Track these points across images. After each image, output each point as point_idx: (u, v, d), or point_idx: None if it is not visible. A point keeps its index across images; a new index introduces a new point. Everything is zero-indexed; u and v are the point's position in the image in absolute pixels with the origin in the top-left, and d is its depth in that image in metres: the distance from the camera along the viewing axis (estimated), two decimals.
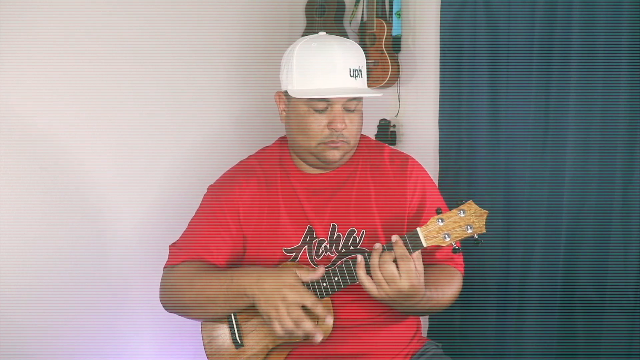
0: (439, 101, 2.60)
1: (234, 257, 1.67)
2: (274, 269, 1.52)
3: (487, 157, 2.45)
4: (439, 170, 2.60)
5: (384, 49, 2.66)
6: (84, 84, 2.24)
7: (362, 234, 1.63)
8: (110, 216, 2.35)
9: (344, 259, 1.53)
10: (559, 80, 2.28)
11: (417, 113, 2.72)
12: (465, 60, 2.50)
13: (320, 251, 1.64)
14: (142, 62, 2.38)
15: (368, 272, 1.43)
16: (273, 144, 1.78)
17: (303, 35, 2.73)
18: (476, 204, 1.43)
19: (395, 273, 1.40)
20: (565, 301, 2.30)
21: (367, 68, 1.66)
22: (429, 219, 1.44)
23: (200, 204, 1.73)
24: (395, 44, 2.68)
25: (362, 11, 2.76)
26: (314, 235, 1.63)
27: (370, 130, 2.70)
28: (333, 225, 1.64)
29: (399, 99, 2.73)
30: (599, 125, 2.21)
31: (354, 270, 1.46)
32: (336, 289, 1.51)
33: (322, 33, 1.67)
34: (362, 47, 1.66)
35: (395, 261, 1.41)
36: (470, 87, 2.49)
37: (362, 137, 1.72)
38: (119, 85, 2.32)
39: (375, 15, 2.67)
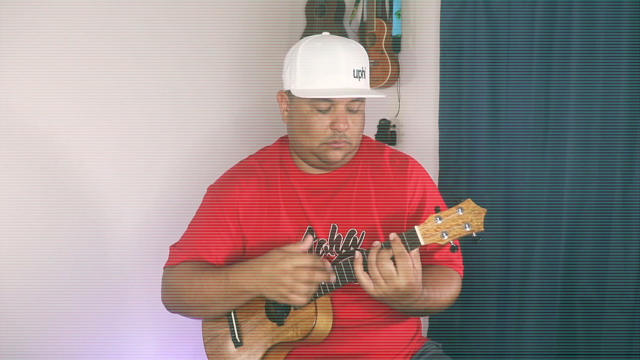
0: (439, 101, 2.60)
1: (233, 257, 1.67)
2: (261, 256, 1.51)
3: (487, 157, 2.45)
4: (439, 170, 2.60)
5: (384, 49, 2.66)
6: (84, 84, 2.24)
7: (363, 234, 1.63)
8: (110, 216, 2.35)
9: (342, 258, 1.53)
10: (559, 80, 2.28)
11: (417, 113, 2.72)
12: (465, 60, 2.50)
13: (321, 252, 1.64)
14: (142, 62, 2.38)
15: (366, 269, 1.43)
16: (274, 144, 1.77)
17: (303, 35, 2.75)
18: (475, 202, 1.43)
19: (392, 271, 1.40)
20: (565, 301, 2.30)
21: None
22: None
23: (201, 204, 1.73)
24: (395, 44, 2.68)
25: (362, 11, 2.76)
26: (314, 236, 1.63)
27: (371, 130, 2.70)
28: (333, 225, 1.64)
29: (399, 99, 2.73)
30: (599, 125, 2.21)
31: (352, 266, 1.46)
32: (334, 287, 1.51)
33: (326, 33, 1.67)
34: None
35: (393, 259, 1.41)
36: (470, 87, 2.49)
37: (363, 137, 1.72)
38: (119, 85, 2.32)
39: (375, 15, 2.67)
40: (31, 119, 2.16)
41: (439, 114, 2.59)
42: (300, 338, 1.54)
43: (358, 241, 1.63)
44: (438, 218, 1.41)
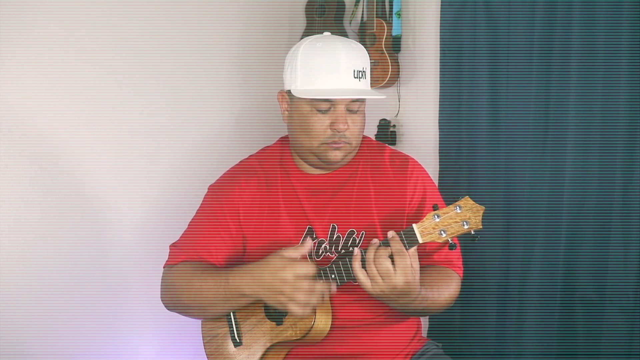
0: (439, 101, 2.59)
1: (233, 257, 1.67)
2: (262, 261, 1.51)
3: (487, 157, 2.45)
4: (439, 170, 2.60)
5: (384, 49, 2.66)
6: (84, 84, 2.25)
7: (362, 235, 1.63)
8: (110, 216, 2.35)
9: (341, 258, 1.53)
10: (559, 80, 2.28)
11: (417, 113, 2.72)
12: (465, 60, 2.50)
13: (320, 252, 1.64)
14: (142, 62, 2.38)
15: (364, 266, 1.43)
16: (274, 143, 1.77)
17: (303, 35, 2.75)
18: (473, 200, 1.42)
19: (390, 268, 1.40)
20: (565, 301, 2.30)
21: None
22: None
23: (201, 203, 1.73)
24: (395, 44, 2.68)
25: (362, 11, 2.76)
26: (314, 236, 1.63)
27: (370, 130, 2.69)
28: (333, 225, 1.64)
29: (399, 99, 2.73)
30: (599, 125, 2.21)
31: (350, 264, 1.46)
32: None
33: (327, 33, 1.67)
34: None
35: (391, 257, 1.41)
36: (470, 87, 2.49)
37: (363, 137, 1.72)
38: (119, 85, 2.32)
39: (375, 15, 2.67)
40: (31, 119, 2.16)
41: (439, 114, 2.59)
42: (299, 337, 1.54)
43: (357, 241, 1.63)
44: (436, 216, 1.40)
